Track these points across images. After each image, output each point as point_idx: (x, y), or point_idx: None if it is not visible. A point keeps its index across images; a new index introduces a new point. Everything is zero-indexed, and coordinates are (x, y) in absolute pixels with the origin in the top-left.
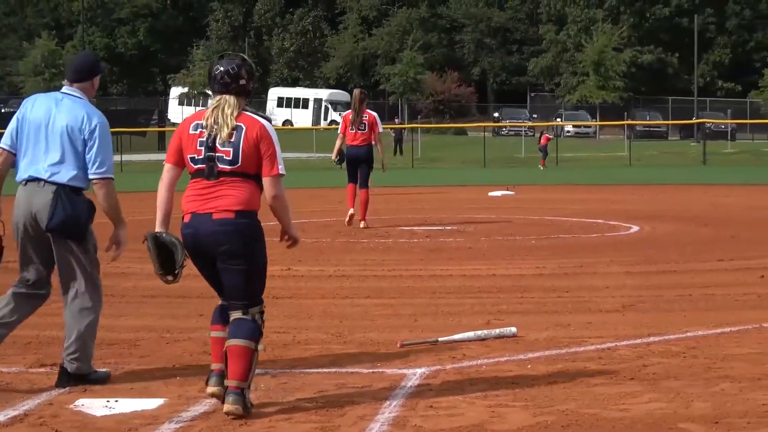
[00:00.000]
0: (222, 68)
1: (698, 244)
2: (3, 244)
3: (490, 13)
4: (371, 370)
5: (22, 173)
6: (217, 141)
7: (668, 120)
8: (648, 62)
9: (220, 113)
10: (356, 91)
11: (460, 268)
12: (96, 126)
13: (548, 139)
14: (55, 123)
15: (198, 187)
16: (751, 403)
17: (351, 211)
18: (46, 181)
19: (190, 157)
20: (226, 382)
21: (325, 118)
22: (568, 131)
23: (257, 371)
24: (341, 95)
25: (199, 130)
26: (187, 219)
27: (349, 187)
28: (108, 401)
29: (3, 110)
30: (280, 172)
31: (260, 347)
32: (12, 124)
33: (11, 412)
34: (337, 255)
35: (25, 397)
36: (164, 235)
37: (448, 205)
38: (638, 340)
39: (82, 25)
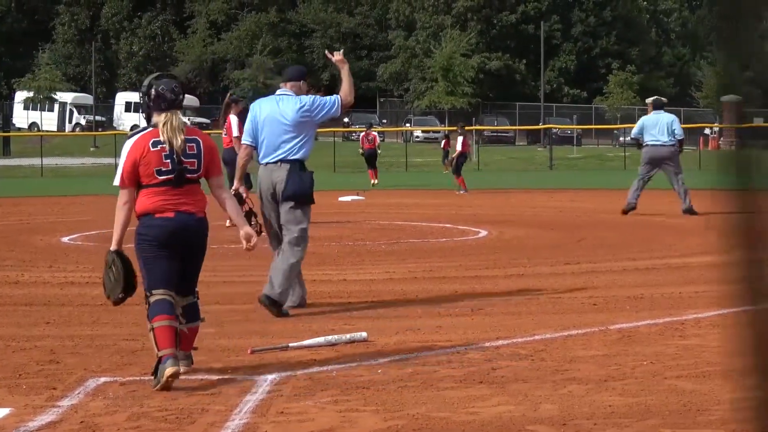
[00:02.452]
0: (165, 87)
1: (546, 248)
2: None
3: (339, 19)
4: (221, 377)
5: (264, 157)
6: (180, 153)
7: (516, 125)
8: (496, 68)
9: (171, 128)
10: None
11: (311, 273)
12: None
13: (467, 146)
14: (284, 116)
15: (167, 193)
16: (597, 404)
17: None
18: (281, 161)
19: (156, 170)
20: (181, 350)
21: None
22: (417, 136)
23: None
24: (190, 100)
25: (160, 146)
26: (170, 215)
27: None
28: None
29: None
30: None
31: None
32: (248, 125)
33: None
34: None
35: None
36: (126, 257)
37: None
38: (487, 344)
39: None
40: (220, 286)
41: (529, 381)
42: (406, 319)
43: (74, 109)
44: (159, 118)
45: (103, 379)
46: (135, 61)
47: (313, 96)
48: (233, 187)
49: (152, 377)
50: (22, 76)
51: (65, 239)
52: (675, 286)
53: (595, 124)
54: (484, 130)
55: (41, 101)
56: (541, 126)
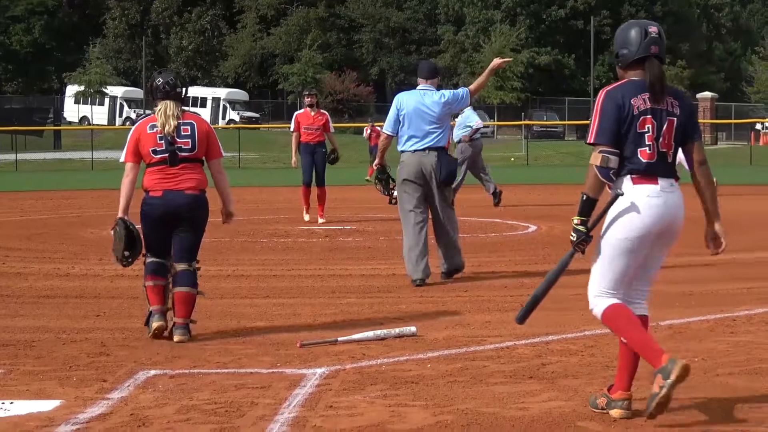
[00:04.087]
0: (162, 80)
1: (595, 244)
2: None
3: (388, 13)
4: (271, 371)
5: (412, 145)
6: (173, 135)
7: (565, 120)
8: (545, 63)
9: (164, 114)
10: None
11: (360, 267)
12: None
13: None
14: (431, 109)
15: (162, 172)
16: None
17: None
18: (429, 148)
19: (152, 150)
20: (175, 320)
21: (224, 117)
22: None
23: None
24: (239, 94)
25: (155, 129)
26: (158, 194)
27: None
28: (3, 403)
29: None
30: (223, 154)
31: (198, 291)
32: (391, 116)
33: None
34: (236, 255)
35: None
36: (129, 223)
37: (347, 204)
38: (537, 339)
39: None
40: (270, 280)
41: (579, 377)
42: (456, 314)
43: (124, 103)
44: (157, 107)
45: (152, 372)
46: (185, 56)
47: (450, 90)
48: (377, 162)
49: (145, 327)
50: (73, 71)
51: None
52: (725, 283)
53: None
54: (533, 125)
55: (92, 95)
56: (590, 121)
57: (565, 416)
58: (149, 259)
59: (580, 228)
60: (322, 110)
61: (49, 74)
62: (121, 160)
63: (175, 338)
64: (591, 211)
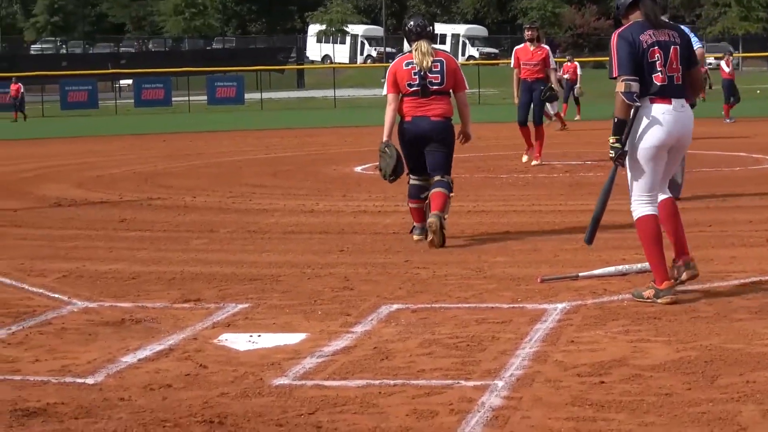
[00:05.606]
0: (414, 23)
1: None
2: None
3: None
4: (511, 305)
5: None
6: (425, 70)
7: None
8: None
9: (420, 52)
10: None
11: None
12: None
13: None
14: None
15: (415, 102)
16: None
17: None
18: None
19: (407, 84)
20: (431, 213)
21: (463, 54)
22: (710, 63)
23: None
24: (479, 30)
25: (410, 65)
26: (408, 119)
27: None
28: (251, 336)
29: (147, 49)
30: (467, 88)
31: (451, 194)
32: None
33: (156, 347)
34: (476, 190)
35: (169, 332)
36: (392, 145)
37: (588, 139)
38: None
39: None
40: (510, 215)
41: None
42: (699, 249)
43: (365, 42)
44: (412, 46)
45: (395, 306)
46: None
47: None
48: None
49: (411, 234)
50: (314, 10)
51: (358, 169)
52: None
53: None
54: None
55: (333, 34)
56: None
57: None
58: (411, 182)
59: (617, 145)
60: (542, 44)
61: (291, 14)
62: (383, 92)
63: (428, 222)
64: (623, 130)
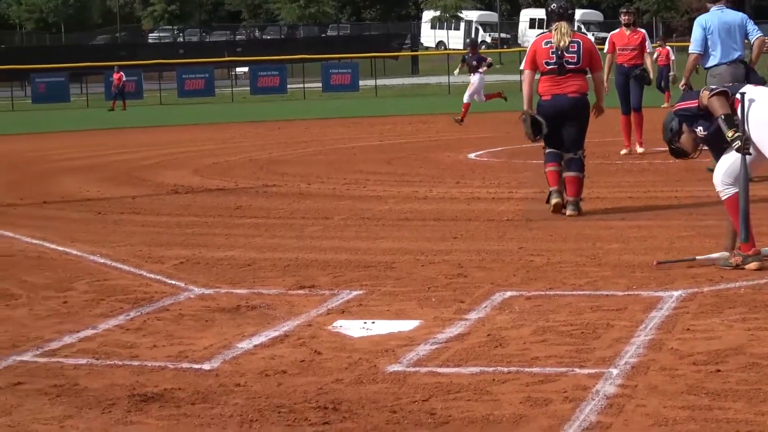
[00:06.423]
0: (557, 5)
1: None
2: None
3: None
4: (626, 293)
5: (721, 60)
6: (564, 50)
7: None
8: None
9: (560, 33)
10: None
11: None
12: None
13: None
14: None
15: (552, 80)
16: None
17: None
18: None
19: (545, 62)
20: (567, 198)
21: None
22: None
23: None
24: (594, 15)
25: (549, 45)
26: (548, 98)
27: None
28: (365, 323)
29: (262, 37)
30: (603, 67)
31: (584, 175)
32: (699, 34)
33: (272, 333)
34: (591, 176)
35: (285, 318)
36: (534, 114)
37: None
38: None
39: None
40: (625, 202)
41: None
42: None
43: (480, 27)
44: (552, 26)
45: (509, 293)
46: None
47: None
48: (683, 83)
49: (547, 204)
50: None
51: (472, 155)
52: None
53: None
54: None
55: (447, 20)
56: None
57: None
58: (547, 150)
59: (738, 134)
60: (639, 28)
61: (405, 0)
62: (521, 67)
63: (567, 212)
64: (734, 122)
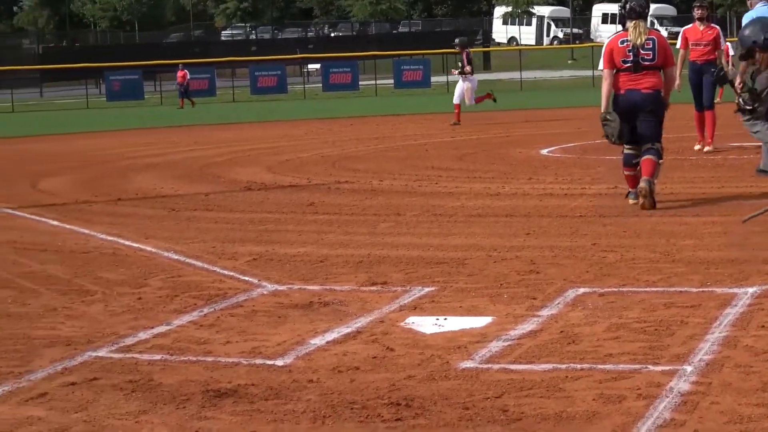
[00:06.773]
0: (634, 3)
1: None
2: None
3: None
4: (700, 289)
5: None
6: (640, 48)
7: None
8: None
9: (638, 31)
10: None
11: None
12: None
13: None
14: None
15: (628, 76)
16: None
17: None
18: None
19: (622, 60)
20: (641, 179)
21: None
22: None
23: None
24: (667, 10)
25: (625, 43)
26: (623, 92)
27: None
28: (437, 319)
29: (332, 34)
30: (675, 63)
31: (661, 161)
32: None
33: (344, 330)
34: (664, 172)
35: (357, 314)
36: (612, 114)
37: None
38: None
39: None
40: (698, 197)
41: None
42: None
43: (552, 23)
44: (629, 24)
45: (582, 290)
46: None
47: None
48: (738, 82)
49: (626, 198)
50: None
51: (544, 152)
52: None
53: None
54: None
55: (519, 16)
56: None
57: None
58: (625, 151)
59: None
60: (713, 24)
61: None
62: (600, 67)
63: (639, 187)
64: None
